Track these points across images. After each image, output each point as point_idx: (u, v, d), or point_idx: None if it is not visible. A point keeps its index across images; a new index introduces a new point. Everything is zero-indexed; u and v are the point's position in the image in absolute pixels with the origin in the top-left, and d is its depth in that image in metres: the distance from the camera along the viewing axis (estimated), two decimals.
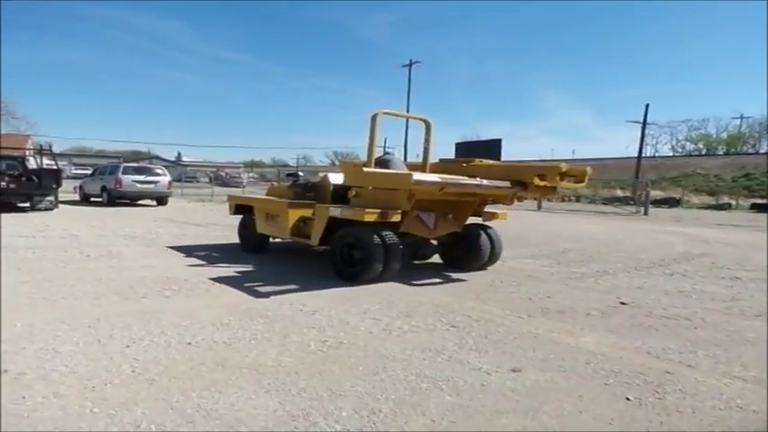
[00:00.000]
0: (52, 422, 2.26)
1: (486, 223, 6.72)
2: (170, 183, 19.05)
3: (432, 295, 5.11)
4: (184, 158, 76.89)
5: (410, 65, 45.66)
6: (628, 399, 2.78)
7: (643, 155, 40.52)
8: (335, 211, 5.73)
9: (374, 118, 5.91)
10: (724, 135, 58.38)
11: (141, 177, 17.96)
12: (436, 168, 6.43)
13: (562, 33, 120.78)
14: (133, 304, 4.36)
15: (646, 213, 21.48)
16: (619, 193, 36.61)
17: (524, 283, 5.93)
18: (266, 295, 4.85)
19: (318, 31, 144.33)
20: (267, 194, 8.21)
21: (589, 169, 5.79)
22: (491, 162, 6.63)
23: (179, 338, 3.47)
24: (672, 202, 31.09)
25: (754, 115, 62.50)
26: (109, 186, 17.53)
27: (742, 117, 57.67)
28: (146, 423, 2.28)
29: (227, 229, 10.69)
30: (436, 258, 6.94)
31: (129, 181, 17.47)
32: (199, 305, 4.39)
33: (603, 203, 28.52)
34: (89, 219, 12.25)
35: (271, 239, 7.50)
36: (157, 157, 65.87)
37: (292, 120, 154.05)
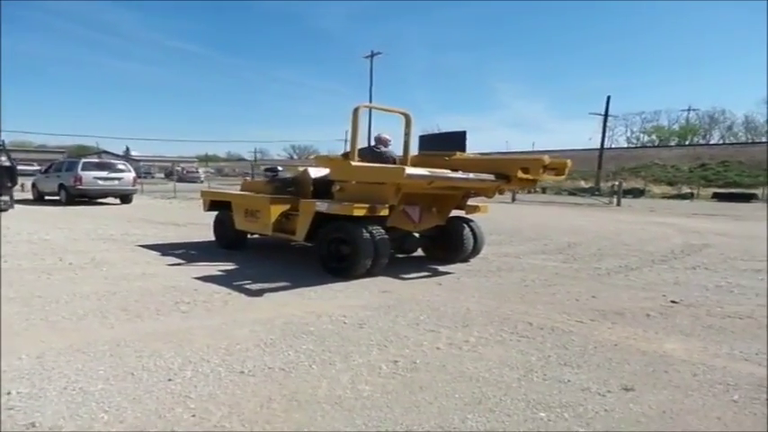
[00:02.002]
0: None
1: (469, 216, 6.69)
2: (135, 179, 17.94)
3: (473, 299, 4.71)
4: (133, 153, 73.15)
5: (371, 56, 44.83)
6: None
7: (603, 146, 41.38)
8: (322, 206, 5.56)
9: (356, 111, 5.77)
10: (676, 127, 60.61)
11: (103, 174, 16.74)
12: (417, 161, 6.32)
13: (518, 25, 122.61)
14: (150, 323, 3.76)
15: (618, 204, 21.80)
16: (582, 183, 37.36)
17: (557, 282, 5.60)
18: (293, 305, 4.32)
19: (274, 22, 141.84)
20: (242, 190, 7.81)
21: (569, 162, 5.75)
22: (472, 155, 6.54)
23: (227, 367, 2.93)
24: (636, 193, 31.86)
25: (703, 107, 65.34)
26: (68, 184, 16.25)
27: (690, 109, 60.04)
28: None
29: (209, 229, 9.99)
30: (418, 252, 6.95)
31: (90, 178, 16.24)
32: (227, 322, 3.83)
33: (570, 194, 28.93)
34: (53, 220, 11.22)
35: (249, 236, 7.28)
36: (105, 152, 62.68)
37: (247, 112, 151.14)
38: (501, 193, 6.28)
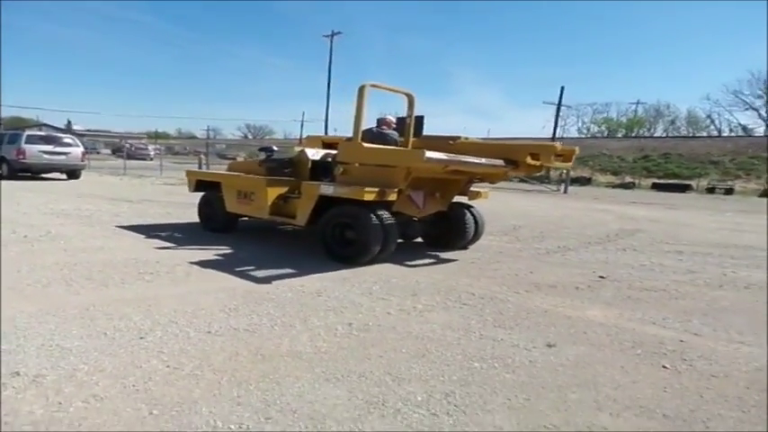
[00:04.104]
0: (111, 428, 1.98)
1: (469, 202, 6.64)
2: (83, 154, 17.42)
3: (422, 273, 5.09)
4: (76, 127, 69.51)
5: (331, 36, 44.34)
6: (665, 367, 2.94)
7: (555, 135, 42.83)
8: (328, 189, 5.41)
9: (361, 90, 5.51)
10: (624, 119, 63.21)
11: (49, 148, 16.14)
12: (418, 145, 6.14)
13: (476, 11, 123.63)
14: (116, 291, 3.94)
15: (566, 191, 22.84)
16: None
17: (501, 259, 6.07)
18: (255, 277, 4.58)
19: None
20: (230, 170, 7.56)
21: (577, 149, 5.83)
22: (478, 140, 6.55)
23: (194, 328, 3.18)
24: (583, 181, 33.33)
25: (650, 101, 68.36)
26: (9, 157, 15.60)
27: (638, 102, 62.76)
28: (221, 422, 2.06)
29: (166, 206, 10.03)
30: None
31: (34, 151, 15.64)
32: (191, 290, 4.05)
33: (521, 181, 29.92)
34: None
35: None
36: (45, 125, 59.47)
37: (200, 89, 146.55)
38: (505, 179, 6.33)
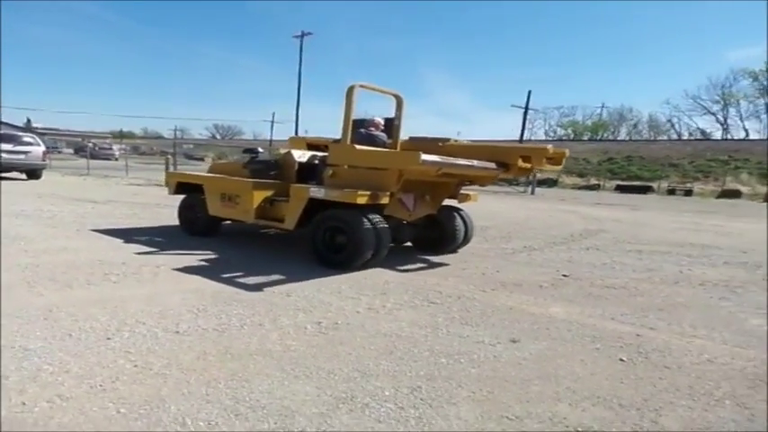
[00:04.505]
0: (77, 427, 1.98)
1: (458, 205, 6.55)
2: (45, 153, 16.86)
3: (390, 273, 5.16)
4: (35, 125, 67.03)
5: (302, 36, 44.09)
6: (621, 360, 3.08)
7: (523, 138, 43.61)
8: (318, 192, 5.24)
9: (350, 91, 5.35)
10: (589, 122, 64.84)
11: (8, 146, 15.54)
12: (407, 147, 6.05)
13: (446, 14, 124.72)
14: (81, 292, 3.87)
15: (533, 193, 23.30)
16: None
17: (468, 259, 6.19)
18: (224, 278, 4.56)
19: None
20: (211, 172, 7.23)
21: (567, 152, 5.78)
22: (468, 142, 6.52)
23: (162, 328, 3.17)
24: (550, 183, 34.03)
25: (614, 105, 70.30)
26: None
27: (603, 106, 64.52)
28: (191, 420, 2.08)
29: (133, 207, 9.84)
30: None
31: None
32: (159, 291, 4.02)
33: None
34: None
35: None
36: (3, 123, 57.24)
37: (167, 88, 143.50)
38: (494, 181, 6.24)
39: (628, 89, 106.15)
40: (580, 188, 32.83)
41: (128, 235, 6.58)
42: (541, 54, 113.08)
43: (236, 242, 6.63)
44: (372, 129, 6.23)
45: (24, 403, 2.13)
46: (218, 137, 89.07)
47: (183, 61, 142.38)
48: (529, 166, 5.47)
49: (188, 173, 7.91)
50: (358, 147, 5.34)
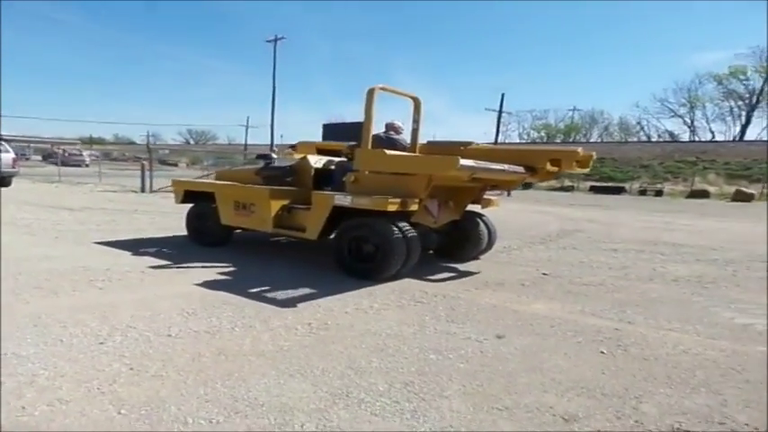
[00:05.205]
0: (80, 428, 2.01)
1: (481, 210, 6.32)
2: (15, 160, 16.46)
3: None
4: (2, 132, 65.10)
5: (275, 40, 43.89)
6: (602, 352, 3.21)
7: (497, 141, 44.23)
8: (344, 199, 4.98)
9: (371, 93, 5.13)
10: (562, 125, 66.12)
11: None
12: (425, 151, 5.90)
13: (419, 16, 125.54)
14: (67, 299, 3.85)
15: (509, 194, 23.61)
16: None
17: (450, 260, 6.30)
18: (210, 282, 4.58)
19: None
20: (218, 179, 6.96)
21: (594, 154, 5.53)
22: (490, 146, 6.31)
23: (154, 332, 3.19)
24: (525, 185, 34.50)
25: (585, 108, 71.84)
26: None
27: (575, 109, 65.86)
28: (192, 419, 2.13)
29: (110, 213, 9.72)
30: None
31: None
32: (147, 296, 4.03)
33: None
34: None
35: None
36: None
37: (136, 92, 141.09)
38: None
39: (599, 92, 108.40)
40: (555, 189, 33.38)
41: (108, 240, 6.51)
42: (514, 58, 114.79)
43: (220, 247, 6.62)
44: (392, 132, 5.99)
45: (24, 407, 2.14)
46: (192, 142, 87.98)
47: (152, 65, 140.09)
48: (556, 169, 5.29)
49: (198, 180, 7.57)
50: (388, 152, 5.03)
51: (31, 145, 55.62)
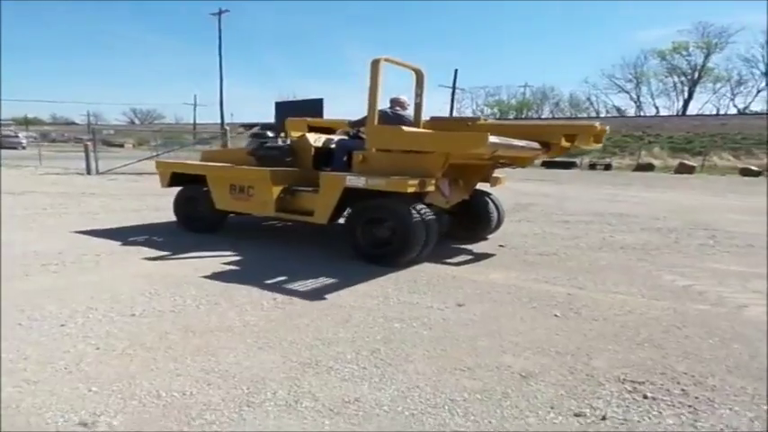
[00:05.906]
0: (50, 408, 2.01)
1: (490, 189, 6.13)
2: None
3: (344, 250, 5.31)
4: None
5: (219, 14, 42.15)
6: (556, 315, 3.41)
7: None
8: (358, 180, 4.68)
9: (375, 64, 4.81)
10: (514, 101, 67.19)
11: None
12: (430, 127, 5.52)
13: None
14: (21, 284, 3.75)
15: None
16: None
17: None
18: (171, 262, 4.55)
19: None
20: (206, 160, 6.50)
21: (608, 128, 5.33)
22: (499, 122, 6.09)
23: (117, 312, 3.16)
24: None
25: (537, 84, 73.20)
26: None
27: (526, 85, 67.03)
28: (164, 392, 2.16)
29: (55, 197, 9.34)
30: None
31: None
32: (105, 278, 3.96)
33: None
34: None
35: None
36: None
37: (75, 70, 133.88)
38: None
39: (550, 69, 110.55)
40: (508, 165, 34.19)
41: (57, 223, 6.30)
42: (467, 34, 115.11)
43: (171, 224, 6.52)
44: (398, 108, 5.59)
45: None
46: (137, 121, 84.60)
47: (92, 41, 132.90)
48: (570, 144, 5.12)
49: (187, 162, 7.10)
50: (405, 129, 4.78)
51: None
